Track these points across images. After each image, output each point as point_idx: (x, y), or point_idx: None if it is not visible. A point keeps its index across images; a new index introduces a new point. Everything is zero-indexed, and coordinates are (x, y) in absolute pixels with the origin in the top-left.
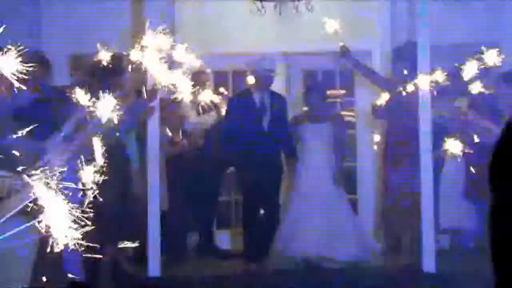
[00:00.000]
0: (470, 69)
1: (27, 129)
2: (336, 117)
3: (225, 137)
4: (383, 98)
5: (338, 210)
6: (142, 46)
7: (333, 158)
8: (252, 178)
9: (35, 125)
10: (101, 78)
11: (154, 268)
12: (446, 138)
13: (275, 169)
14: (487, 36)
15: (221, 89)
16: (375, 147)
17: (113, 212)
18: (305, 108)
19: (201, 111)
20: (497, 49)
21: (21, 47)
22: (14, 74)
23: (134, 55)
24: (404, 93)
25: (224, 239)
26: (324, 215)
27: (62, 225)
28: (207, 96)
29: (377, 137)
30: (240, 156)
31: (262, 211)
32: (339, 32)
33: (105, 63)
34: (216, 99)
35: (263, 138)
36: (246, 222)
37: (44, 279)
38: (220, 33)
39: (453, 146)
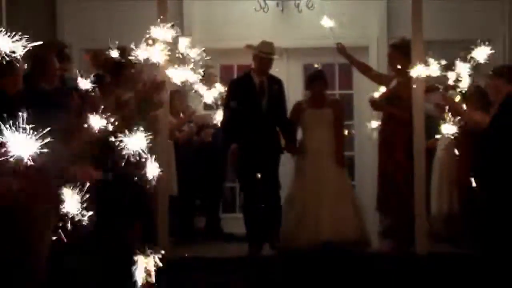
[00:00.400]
0: (461, 63)
1: None
2: (336, 101)
3: (226, 117)
4: (380, 90)
5: (341, 194)
6: (152, 40)
7: (334, 142)
8: (251, 155)
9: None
10: (113, 71)
11: (164, 250)
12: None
13: (274, 148)
14: (478, 32)
15: None
16: (374, 134)
17: (125, 197)
18: (308, 94)
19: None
20: (488, 45)
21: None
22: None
23: (143, 49)
24: (398, 87)
25: (229, 223)
26: (327, 199)
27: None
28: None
29: (373, 127)
30: (240, 134)
31: (259, 175)
32: (334, 28)
33: (116, 58)
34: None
35: (262, 118)
36: (246, 200)
37: None
38: (225, 29)
39: (448, 129)
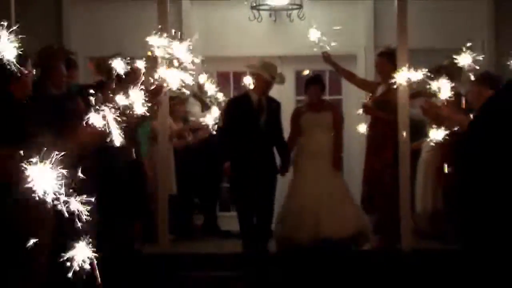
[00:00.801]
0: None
1: None
2: (334, 105)
3: (224, 135)
4: (371, 96)
5: (338, 194)
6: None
7: (331, 145)
8: (246, 172)
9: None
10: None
11: (163, 245)
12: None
13: (270, 167)
14: (459, 41)
15: None
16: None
17: (127, 198)
18: (305, 99)
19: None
20: (469, 53)
21: None
22: None
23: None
24: (386, 92)
25: (225, 221)
26: (325, 199)
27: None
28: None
29: (362, 129)
30: (235, 152)
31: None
32: (321, 39)
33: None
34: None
35: (260, 136)
36: (239, 214)
37: None
38: (222, 38)
39: (436, 134)
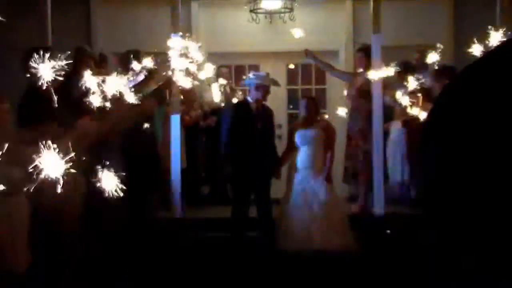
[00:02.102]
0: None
1: None
2: (327, 124)
3: (225, 136)
4: (353, 86)
5: (329, 207)
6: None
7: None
8: (245, 169)
9: None
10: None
11: (177, 212)
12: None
13: (267, 165)
14: (427, 38)
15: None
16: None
17: (145, 171)
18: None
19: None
20: (434, 50)
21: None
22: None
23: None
24: (365, 82)
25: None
26: (316, 212)
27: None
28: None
29: (342, 112)
30: (238, 150)
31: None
32: (304, 37)
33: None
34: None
35: (257, 138)
36: (234, 206)
37: None
38: (224, 36)
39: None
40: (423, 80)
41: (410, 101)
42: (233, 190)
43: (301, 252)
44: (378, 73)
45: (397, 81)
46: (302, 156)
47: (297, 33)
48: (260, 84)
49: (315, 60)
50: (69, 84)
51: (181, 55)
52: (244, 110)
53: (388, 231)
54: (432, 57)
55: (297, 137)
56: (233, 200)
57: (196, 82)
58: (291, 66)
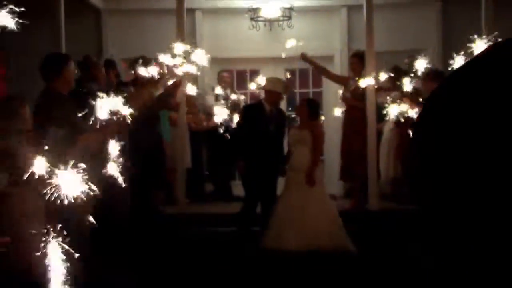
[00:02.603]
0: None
1: None
2: (315, 125)
3: (239, 136)
4: (347, 89)
5: (319, 207)
6: (173, 53)
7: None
8: (257, 169)
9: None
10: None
11: (181, 208)
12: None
13: (276, 165)
14: (416, 44)
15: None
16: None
17: (152, 171)
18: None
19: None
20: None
21: None
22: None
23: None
24: (353, 87)
25: (232, 188)
26: (306, 211)
27: None
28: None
29: (337, 113)
30: (248, 152)
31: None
32: (301, 43)
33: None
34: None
35: (269, 140)
36: (245, 205)
37: None
38: (227, 43)
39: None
40: (413, 85)
41: (401, 103)
42: (244, 188)
43: (289, 250)
44: (371, 79)
45: (389, 85)
46: (293, 156)
47: (292, 42)
48: (271, 90)
49: (311, 64)
50: (77, 91)
51: (186, 60)
52: (258, 111)
53: None
54: (421, 62)
55: (290, 138)
56: (244, 198)
57: (199, 91)
58: (288, 75)
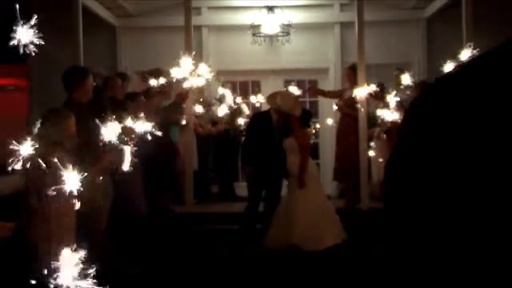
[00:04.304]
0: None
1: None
2: (302, 133)
3: (247, 143)
4: (342, 98)
5: (315, 207)
6: (180, 66)
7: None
8: (262, 175)
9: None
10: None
11: (189, 207)
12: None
13: (280, 172)
14: (402, 57)
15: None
16: (332, 123)
17: (161, 173)
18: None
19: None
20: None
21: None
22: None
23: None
24: (347, 96)
25: (236, 188)
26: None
27: None
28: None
29: (330, 122)
30: (255, 159)
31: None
32: (298, 56)
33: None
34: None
35: (274, 148)
36: (250, 208)
37: None
38: (231, 56)
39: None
40: (398, 98)
41: (389, 112)
42: (249, 190)
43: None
44: (362, 90)
45: (380, 94)
46: (287, 162)
47: (286, 59)
48: (281, 109)
49: (322, 96)
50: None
51: (193, 73)
52: (265, 121)
53: None
54: (407, 77)
55: (284, 144)
56: (249, 199)
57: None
58: (307, 87)
